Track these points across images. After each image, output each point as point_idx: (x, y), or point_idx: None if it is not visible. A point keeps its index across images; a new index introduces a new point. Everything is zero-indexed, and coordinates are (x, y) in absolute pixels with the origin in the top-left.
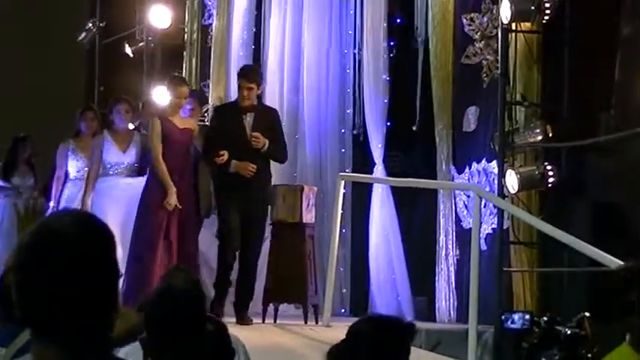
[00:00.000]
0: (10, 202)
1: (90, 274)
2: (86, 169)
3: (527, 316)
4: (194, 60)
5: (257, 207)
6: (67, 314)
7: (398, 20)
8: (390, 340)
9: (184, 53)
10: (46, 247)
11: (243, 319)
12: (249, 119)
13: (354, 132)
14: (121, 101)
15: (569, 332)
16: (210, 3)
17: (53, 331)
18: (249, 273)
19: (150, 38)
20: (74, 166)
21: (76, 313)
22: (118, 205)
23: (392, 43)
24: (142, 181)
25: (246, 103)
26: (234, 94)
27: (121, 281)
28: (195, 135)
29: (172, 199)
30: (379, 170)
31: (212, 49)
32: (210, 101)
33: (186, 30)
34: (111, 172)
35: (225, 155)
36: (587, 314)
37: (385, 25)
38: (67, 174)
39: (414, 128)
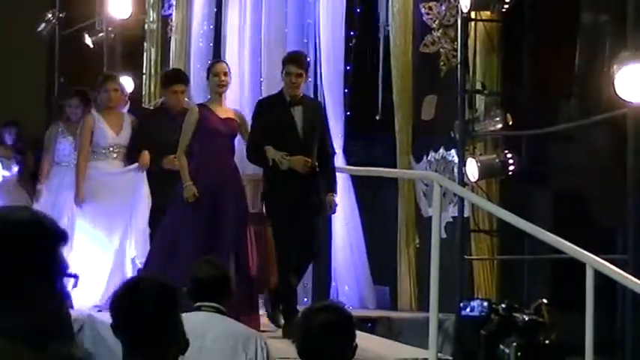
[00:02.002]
0: None
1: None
2: (72, 154)
3: (486, 304)
4: (154, 50)
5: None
6: None
7: (358, 10)
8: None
9: (144, 44)
10: None
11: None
12: (298, 113)
13: None
14: (109, 79)
15: (527, 319)
16: None
17: None
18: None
19: (110, 29)
20: (60, 149)
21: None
22: (111, 195)
23: (352, 33)
24: (136, 167)
25: (295, 92)
26: (194, 84)
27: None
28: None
29: (188, 193)
30: (339, 160)
31: (172, 39)
32: None
33: (146, 20)
34: (108, 155)
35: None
36: (545, 301)
37: (344, 14)
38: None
39: (378, 117)
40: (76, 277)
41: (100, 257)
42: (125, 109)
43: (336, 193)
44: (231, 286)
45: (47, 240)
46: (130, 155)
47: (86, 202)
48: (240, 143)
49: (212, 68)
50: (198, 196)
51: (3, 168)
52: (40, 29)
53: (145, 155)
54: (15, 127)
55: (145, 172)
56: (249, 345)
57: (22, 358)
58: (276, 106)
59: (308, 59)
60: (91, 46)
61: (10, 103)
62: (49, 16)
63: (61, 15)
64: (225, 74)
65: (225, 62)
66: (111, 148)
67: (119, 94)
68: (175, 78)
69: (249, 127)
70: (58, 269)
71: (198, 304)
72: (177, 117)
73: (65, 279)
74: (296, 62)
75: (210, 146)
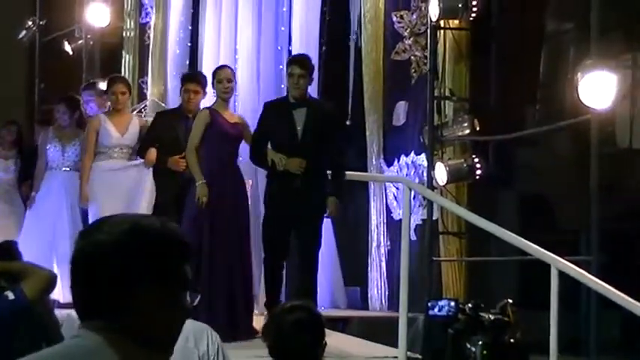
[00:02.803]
0: None
1: None
2: (62, 158)
3: (453, 304)
4: (131, 57)
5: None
6: None
7: (328, 18)
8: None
9: (122, 51)
10: None
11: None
12: (300, 115)
13: None
14: (117, 81)
15: (493, 319)
16: (147, 2)
17: None
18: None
19: (89, 36)
20: (50, 153)
21: None
22: (115, 192)
23: (323, 40)
24: (141, 165)
25: (298, 93)
26: (172, 90)
27: None
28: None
29: (202, 192)
30: None
31: (150, 46)
32: (148, 97)
33: (124, 28)
34: (112, 155)
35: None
36: (510, 301)
37: (319, 22)
38: (47, 162)
39: (348, 122)
40: (197, 293)
41: None
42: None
43: (338, 196)
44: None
45: (174, 251)
46: (138, 152)
47: (91, 202)
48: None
49: (216, 75)
50: (214, 199)
51: (1, 169)
52: (20, 36)
53: (152, 152)
54: (15, 126)
55: (151, 169)
56: (201, 340)
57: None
58: (279, 107)
59: (312, 62)
60: (71, 52)
61: None
62: (30, 23)
63: (41, 22)
64: (229, 80)
65: (229, 68)
66: (116, 149)
67: (125, 97)
68: (188, 77)
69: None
70: (181, 282)
71: None
72: (192, 118)
73: (187, 294)
74: (299, 63)
75: (221, 150)
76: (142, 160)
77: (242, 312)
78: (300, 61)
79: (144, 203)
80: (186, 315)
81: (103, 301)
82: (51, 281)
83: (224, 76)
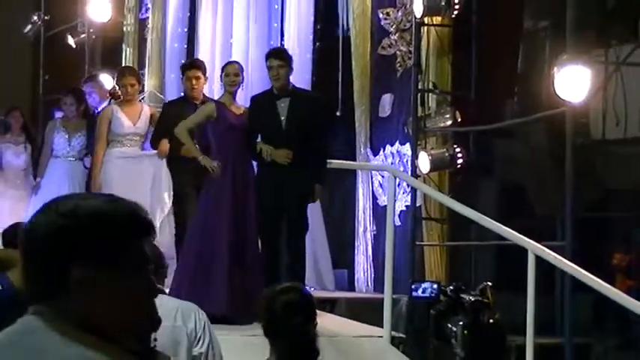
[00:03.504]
0: None
1: None
2: (69, 148)
3: (435, 286)
4: (131, 51)
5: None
6: None
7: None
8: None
9: (123, 45)
10: None
11: None
12: (283, 105)
13: None
14: (127, 73)
15: (473, 300)
16: None
17: None
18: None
19: (91, 30)
20: (57, 143)
21: None
22: (128, 180)
23: (313, 36)
24: (154, 157)
25: (279, 84)
26: (169, 82)
27: None
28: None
29: (208, 162)
30: None
31: (148, 40)
32: (146, 88)
33: (124, 23)
34: (125, 143)
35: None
36: (489, 284)
37: (313, 21)
38: (52, 150)
39: (338, 113)
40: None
41: None
42: (105, 104)
43: (321, 183)
44: (165, 265)
45: (113, 230)
46: (151, 143)
47: (104, 188)
48: None
49: (224, 69)
50: (224, 190)
51: (12, 154)
52: (26, 30)
53: (164, 143)
54: (18, 111)
55: (164, 160)
56: (189, 319)
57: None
58: (264, 100)
59: (289, 53)
60: (74, 46)
61: None
62: (35, 18)
63: (45, 17)
64: (237, 75)
65: (237, 63)
66: (128, 137)
67: (135, 88)
68: (187, 65)
69: None
70: (129, 264)
71: None
72: (201, 105)
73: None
74: (276, 55)
75: (229, 141)
76: (155, 152)
77: (242, 294)
78: (276, 52)
79: (164, 194)
80: (145, 302)
81: (41, 284)
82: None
83: (231, 71)
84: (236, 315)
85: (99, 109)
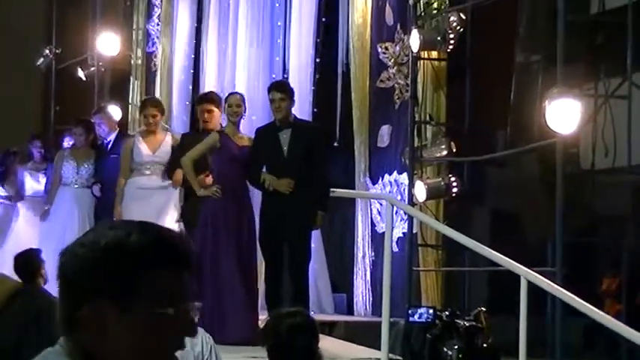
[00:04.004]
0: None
1: None
2: (77, 176)
3: (431, 311)
4: (139, 83)
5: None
6: None
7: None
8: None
9: (131, 77)
10: None
11: None
12: (285, 136)
13: None
14: (148, 104)
15: (467, 325)
16: (153, 33)
17: None
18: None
19: (100, 63)
20: (65, 171)
21: None
22: (148, 206)
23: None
24: (170, 187)
25: (280, 115)
26: (175, 113)
27: None
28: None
29: (206, 192)
30: None
31: (156, 73)
32: None
33: (132, 56)
34: (144, 172)
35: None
36: (483, 309)
37: (313, 54)
38: (61, 178)
39: (336, 144)
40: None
41: None
42: (114, 135)
43: (323, 211)
44: None
45: (128, 261)
46: (166, 172)
47: (123, 216)
48: None
49: (227, 100)
50: (222, 217)
51: (32, 179)
52: (38, 63)
53: (177, 173)
54: (39, 141)
55: (178, 189)
56: (196, 341)
57: None
58: (267, 131)
59: (290, 86)
60: (84, 78)
61: (10, 128)
62: (47, 51)
63: (57, 51)
64: (238, 105)
65: (239, 94)
66: (147, 165)
67: (157, 119)
68: (200, 98)
69: None
70: (147, 298)
71: None
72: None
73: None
74: (277, 88)
75: (230, 171)
76: (170, 182)
77: (243, 319)
78: (278, 85)
79: (169, 220)
80: (171, 341)
81: (60, 315)
82: (17, 291)
83: (233, 101)
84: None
85: (107, 140)
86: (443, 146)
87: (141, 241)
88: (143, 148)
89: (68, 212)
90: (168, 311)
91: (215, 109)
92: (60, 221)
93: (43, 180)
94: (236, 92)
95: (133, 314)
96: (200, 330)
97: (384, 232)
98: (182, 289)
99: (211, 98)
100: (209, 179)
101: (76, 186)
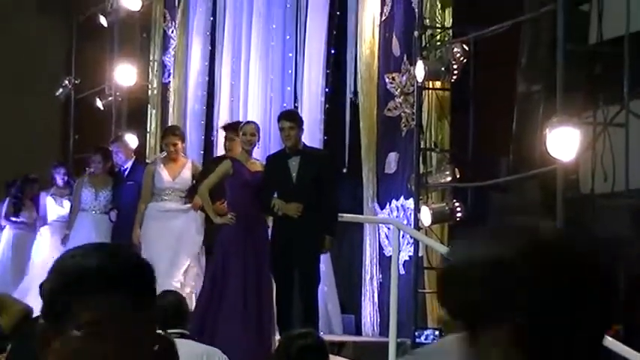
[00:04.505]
0: (20, 234)
1: None
2: (95, 202)
3: (437, 332)
4: (155, 112)
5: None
6: None
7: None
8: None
9: (147, 106)
10: None
11: None
12: (294, 163)
13: None
14: (169, 133)
15: None
16: (168, 64)
17: None
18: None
19: (118, 94)
20: (84, 197)
21: None
22: (167, 229)
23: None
24: (190, 210)
25: (289, 143)
26: (189, 141)
27: None
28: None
29: (222, 220)
30: None
31: (171, 103)
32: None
33: (148, 87)
34: (164, 197)
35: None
36: None
37: (323, 84)
38: (80, 204)
39: (344, 170)
40: None
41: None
42: (130, 163)
43: (331, 235)
44: (188, 310)
45: (57, 284)
46: (188, 196)
47: (142, 238)
48: None
49: (242, 128)
50: (236, 243)
51: (56, 204)
52: (58, 93)
53: (197, 198)
54: (63, 168)
55: (199, 213)
56: None
57: None
58: (277, 159)
59: (299, 115)
60: (102, 108)
61: (31, 156)
62: (66, 82)
63: (76, 81)
64: (253, 134)
65: (254, 124)
66: (167, 191)
67: (177, 147)
68: (226, 126)
69: None
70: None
71: (167, 331)
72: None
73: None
74: (287, 117)
75: (243, 196)
76: (190, 205)
77: (257, 342)
78: (287, 115)
79: (191, 244)
80: None
81: None
82: (26, 314)
83: (248, 131)
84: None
85: (124, 167)
86: (447, 172)
87: (75, 265)
88: (164, 174)
89: (87, 237)
90: (82, 335)
91: (237, 139)
92: (79, 245)
93: (67, 204)
94: (251, 121)
95: (62, 337)
96: (216, 350)
97: (391, 256)
98: (113, 314)
99: (235, 128)
100: (224, 206)
101: (94, 212)
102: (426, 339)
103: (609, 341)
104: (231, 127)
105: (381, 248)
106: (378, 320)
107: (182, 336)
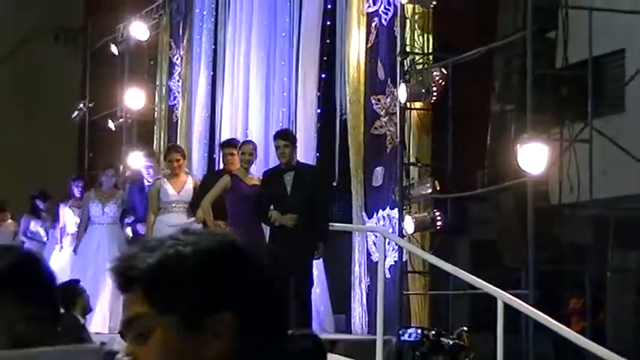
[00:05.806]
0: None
1: None
2: (102, 215)
3: (419, 331)
4: (163, 132)
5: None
6: None
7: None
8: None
9: (155, 127)
10: None
11: None
12: (289, 178)
13: None
14: (172, 150)
15: (451, 343)
16: (174, 88)
17: None
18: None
19: (128, 115)
20: (92, 211)
21: None
22: None
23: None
24: (193, 224)
25: (284, 160)
26: (194, 160)
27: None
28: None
29: (222, 226)
30: None
31: (177, 124)
32: None
33: (156, 109)
34: (171, 210)
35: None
36: (465, 328)
37: (315, 105)
38: (89, 218)
39: (335, 184)
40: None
41: None
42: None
43: (324, 242)
44: None
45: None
46: (189, 210)
47: None
48: None
49: (241, 147)
50: None
51: (74, 215)
52: (73, 116)
53: (199, 211)
54: (82, 181)
55: (201, 225)
56: None
57: None
58: (273, 174)
59: (293, 134)
60: (113, 128)
61: (48, 173)
62: (81, 105)
63: (90, 105)
64: (250, 154)
65: (252, 144)
66: (173, 204)
67: (180, 162)
68: (225, 142)
69: None
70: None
71: None
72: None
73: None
74: (281, 136)
75: (242, 209)
76: (194, 219)
77: None
78: (282, 134)
79: None
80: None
81: None
82: None
83: (247, 150)
84: None
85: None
86: (428, 185)
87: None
88: (169, 188)
89: (96, 248)
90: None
91: (236, 153)
92: (88, 255)
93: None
94: (250, 141)
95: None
96: None
97: (378, 261)
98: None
99: (234, 144)
100: (224, 226)
101: (102, 224)
102: (409, 337)
103: (576, 337)
104: (230, 144)
105: (368, 254)
106: (367, 320)
107: None
